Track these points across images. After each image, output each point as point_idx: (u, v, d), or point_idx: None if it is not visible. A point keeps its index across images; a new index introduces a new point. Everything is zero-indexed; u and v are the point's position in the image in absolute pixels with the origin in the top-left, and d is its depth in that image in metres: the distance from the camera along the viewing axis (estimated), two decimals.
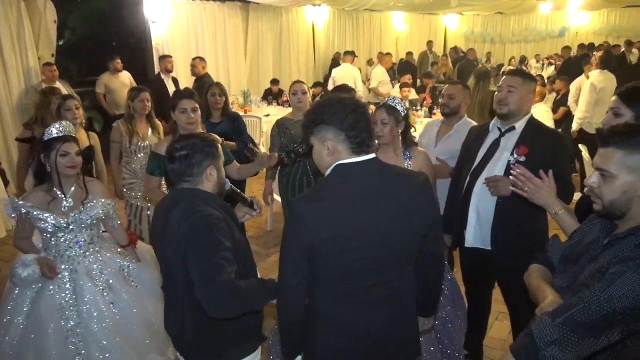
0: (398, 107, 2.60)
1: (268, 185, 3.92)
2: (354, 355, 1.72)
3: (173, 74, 7.02)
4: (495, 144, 2.58)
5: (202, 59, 6.90)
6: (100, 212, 2.69)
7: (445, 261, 2.66)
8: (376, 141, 2.70)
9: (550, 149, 2.44)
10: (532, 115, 2.58)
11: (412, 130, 2.81)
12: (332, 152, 1.64)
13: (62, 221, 2.56)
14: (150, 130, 3.99)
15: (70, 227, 2.59)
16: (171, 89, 6.47)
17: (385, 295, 1.69)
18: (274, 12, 10.56)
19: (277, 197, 4.58)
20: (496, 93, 2.57)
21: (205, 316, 1.78)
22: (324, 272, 1.65)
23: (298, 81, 3.80)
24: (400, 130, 2.64)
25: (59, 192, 2.59)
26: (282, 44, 11.04)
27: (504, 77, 2.62)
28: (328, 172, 1.66)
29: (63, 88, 6.11)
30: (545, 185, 1.86)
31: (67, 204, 2.60)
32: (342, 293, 1.67)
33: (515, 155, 2.45)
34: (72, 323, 2.51)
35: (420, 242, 1.73)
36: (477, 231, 2.63)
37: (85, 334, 2.51)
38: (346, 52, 9.44)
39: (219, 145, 2.00)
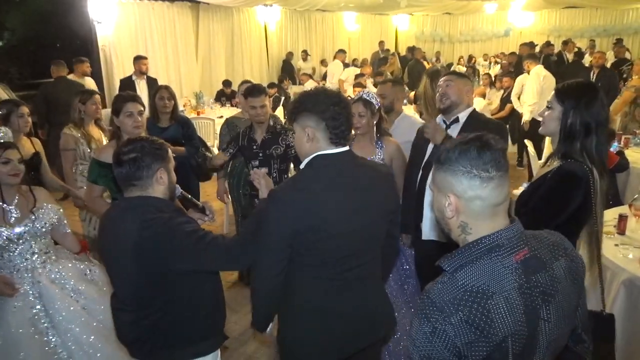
0: (373, 100, 2.82)
1: (221, 184, 3.97)
2: (337, 336, 1.80)
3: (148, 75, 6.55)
4: None
5: (61, 62, 6.30)
6: (54, 217, 2.58)
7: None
8: (352, 132, 2.87)
9: None
10: (474, 109, 2.70)
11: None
12: (310, 139, 1.71)
13: (13, 233, 2.43)
14: (101, 134, 3.83)
15: (23, 238, 2.47)
16: (144, 90, 6.11)
17: (362, 276, 1.82)
18: (225, 12, 10.45)
19: None
20: (437, 94, 2.68)
21: (165, 318, 1.78)
22: (307, 260, 1.72)
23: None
24: (375, 122, 2.85)
25: (2, 204, 2.45)
26: (235, 45, 10.96)
27: (440, 80, 2.76)
28: (307, 161, 1.74)
29: (3, 92, 5.85)
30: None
31: (15, 215, 2.47)
32: (326, 278, 1.76)
33: None
34: (52, 338, 2.40)
35: (387, 226, 1.89)
36: (432, 223, 2.70)
37: (66, 344, 2.41)
38: (339, 51, 10.76)
39: (169, 149, 1.96)
